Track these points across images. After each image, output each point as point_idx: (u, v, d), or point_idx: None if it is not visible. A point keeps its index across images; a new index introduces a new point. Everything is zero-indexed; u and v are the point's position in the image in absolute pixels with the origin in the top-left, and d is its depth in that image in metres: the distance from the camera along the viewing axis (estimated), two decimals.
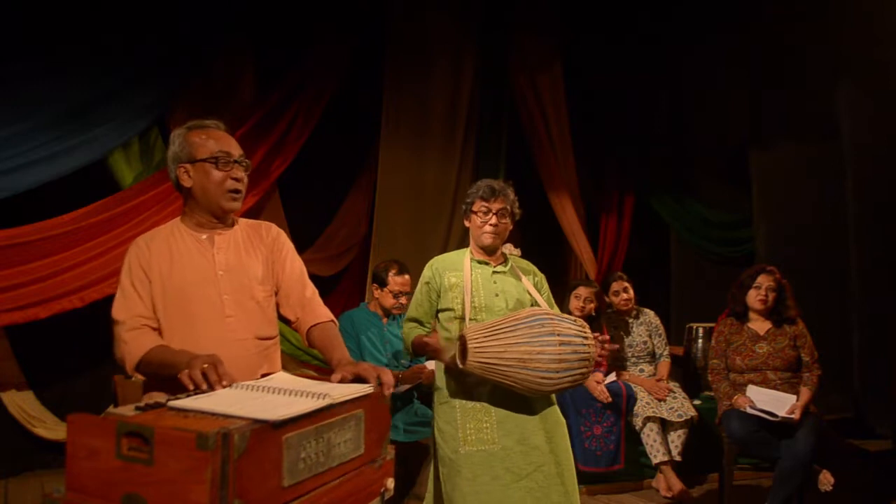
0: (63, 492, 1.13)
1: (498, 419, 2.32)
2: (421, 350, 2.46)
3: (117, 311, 1.71)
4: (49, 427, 3.33)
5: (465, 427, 2.33)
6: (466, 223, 2.52)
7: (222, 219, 1.83)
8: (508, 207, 2.45)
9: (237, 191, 1.80)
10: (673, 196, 5.73)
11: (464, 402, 2.36)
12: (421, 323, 2.51)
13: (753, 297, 3.36)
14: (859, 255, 4.67)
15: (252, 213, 3.86)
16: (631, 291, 3.99)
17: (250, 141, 3.81)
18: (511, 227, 2.51)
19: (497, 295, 2.43)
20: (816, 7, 4.57)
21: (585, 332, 2.22)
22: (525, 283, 2.50)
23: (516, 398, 2.31)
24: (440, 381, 2.45)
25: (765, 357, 3.28)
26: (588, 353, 2.20)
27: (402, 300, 3.37)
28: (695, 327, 4.48)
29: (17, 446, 3.35)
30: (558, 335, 2.16)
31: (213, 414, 1.15)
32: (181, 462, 1.03)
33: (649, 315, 4.04)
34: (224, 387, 1.37)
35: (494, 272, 2.47)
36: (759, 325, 3.37)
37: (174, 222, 1.84)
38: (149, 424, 1.07)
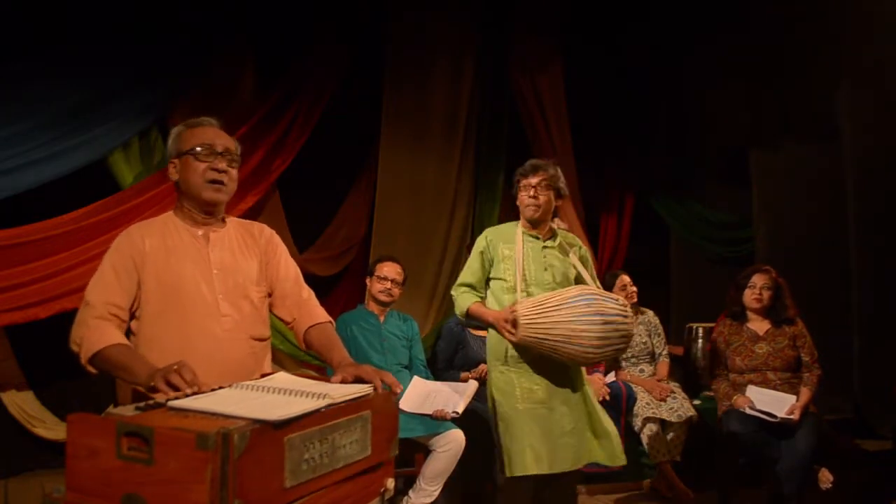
0: (63, 492, 1.13)
1: (546, 383, 2.54)
2: (476, 318, 2.61)
3: (90, 292, 1.67)
4: (49, 427, 3.33)
5: (521, 386, 2.54)
6: (517, 203, 2.69)
7: (211, 213, 1.80)
8: (548, 181, 2.62)
9: (219, 181, 1.75)
10: (673, 196, 5.73)
11: (518, 367, 2.55)
12: (474, 288, 2.68)
13: (749, 297, 3.37)
14: (859, 255, 4.67)
15: (252, 213, 3.86)
16: (634, 286, 4.03)
17: (250, 141, 3.80)
18: (555, 202, 2.68)
19: (546, 269, 2.60)
20: (816, 7, 4.57)
21: (627, 311, 2.42)
22: (572, 258, 2.67)
23: (559, 368, 2.53)
24: (495, 350, 2.63)
25: (764, 357, 3.28)
26: (628, 329, 2.42)
27: (389, 286, 3.33)
28: (695, 327, 4.47)
29: (17, 446, 3.34)
30: (602, 315, 2.36)
31: (214, 414, 1.15)
32: (181, 462, 1.03)
33: (648, 315, 4.05)
34: (194, 391, 1.34)
35: (544, 247, 2.64)
36: (759, 326, 3.37)
37: (168, 215, 1.82)
38: (149, 424, 1.07)
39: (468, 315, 2.62)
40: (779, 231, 5.08)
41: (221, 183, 1.76)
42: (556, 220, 3.00)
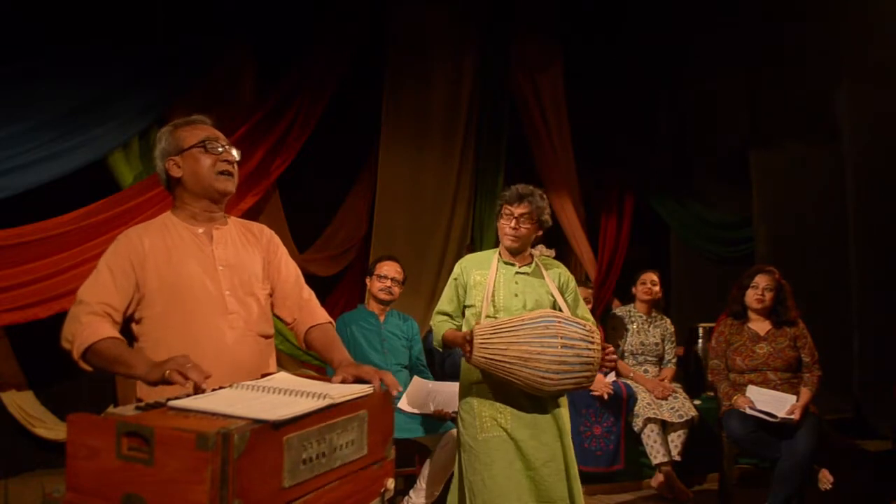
0: (63, 492, 1.13)
1: (513, 413, 2.44)
2: (450, 343, 2.55)
3: (84, 291, 1.64)
4: (49, 427, 3.33)
5: (481, 415, 2.45)
6: (498, 227, 2.63)
7: (218, 203, 1.80)
8: (532, 213, 2.53)
9: (229, 172, 1.77)
10: (673, 196, 5.74)
11: (483, 395, 2.47)
12: (451, 317, 2.62)
13: (751, 297, 3.37)
14: (859, 255, 4.67)
15: (252, 213, 3.86)
16: (658, 286, 4.07)
17: (250, 141, 3.81)
18: (536, 233, 2.59)
19: (516, 295, 2.52)
20: (816, 7, 4.57)
21: (592, 338, 2.28)
22: (549, 284, 2.57)
23: (530, 399, 2.41)
24: (464, 375, 2.56)
25: (765, 357, 3.28)
26: (592, 357, 2.26)
27: (389, 284, 3.34)
28: (695, 327, 4.48)
29: (17, 446, 3.34)
30: (561, 337, 2.23)
31: (214, 414, 1.14)
32: (181, 462, 1.03)
33: (666, 321, 4.11)
34: (207, 383, 1.34)
35: (517, 273, 2.57)
36: (759, 326, 3.37)
37: (165, 216, 1.80)
38: (149, 424, 1.07)
39: (444, 342, 2.57)
40: (779, 231, 5.08)
41: (231, 174, 1.78)
42: (541, 246, 2.93)
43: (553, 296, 2.55)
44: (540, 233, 2.61)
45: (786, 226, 5.04)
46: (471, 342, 2.30)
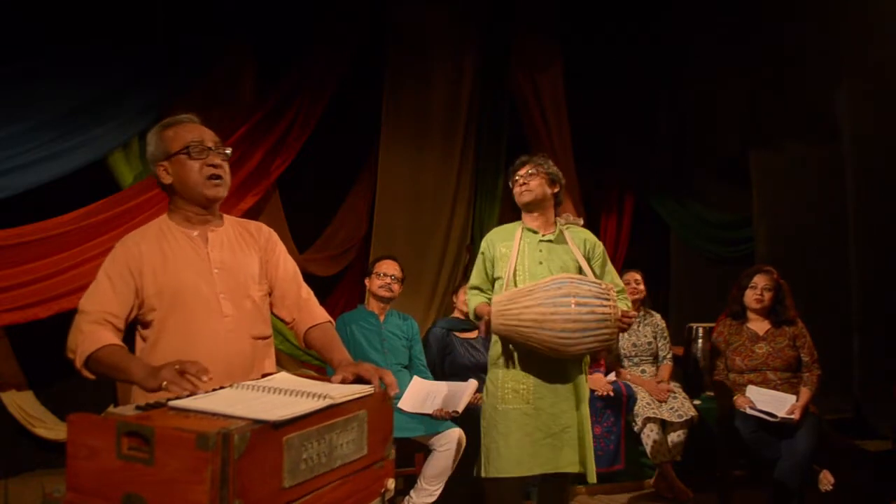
0: (63, 492, 1.13)
1: (535, 382, 2.50)
2: (480, 316, 2.62)
3: (85, 301, 1.66)
4: (49, 427, 3.33)
5: (504, 386, 2.53)
6: (515, 199, 2.71)
7: (209, 209, 1.79)
8: (536, 167, 2.63)
9: (217, 176, 1.74)
10: (673, 196, 5.74)
11: (507, 366, 2.54)
12: (481, 290, 2.71)
13: (750, 297, 3.37)
14: (859, 255, 4.67)
15: (252, 213, 3.86)
16: (642, 285, 4.05)
17: (250, 141, 3.80)
18: (552, 188, 2.65)
19: (541, 263, 2.57)
20: (816, 7, 4.57)
21: (607, 295, 2.31)
22: (573, 251, 2.61)
23: (552, 367, 2.48)
24: (493, 348, 2.63)
25: (764, 357, 3.29)
26: (608, 313, 2.28)
27: (389, 281, 3.35)
28: (695, 327, 4.48)
29: (17, 446, 3.34)
30: (574, 296, 2.27)
31: (214, 414, 1.14)
32: (181, 462, 1.03)
33: (656, 318, 4.08)
34: (208, 382, 1.35)
35: (541, 241, 2.61)
36: (759, 326, 3.38)
37: (162, 219, 1.80)
38: (149, 424, 1.07)
39: (475, 314, 2.66)
40: (779, 231, 5.08)
41: (220, 178, 1.76)
42: (567, 214, 2.94)
43: (578, 262, 2.59)
44: (556, 189, 2.66)
45: (785, 226, 5.04)
46: (489, 314, 2.40)
